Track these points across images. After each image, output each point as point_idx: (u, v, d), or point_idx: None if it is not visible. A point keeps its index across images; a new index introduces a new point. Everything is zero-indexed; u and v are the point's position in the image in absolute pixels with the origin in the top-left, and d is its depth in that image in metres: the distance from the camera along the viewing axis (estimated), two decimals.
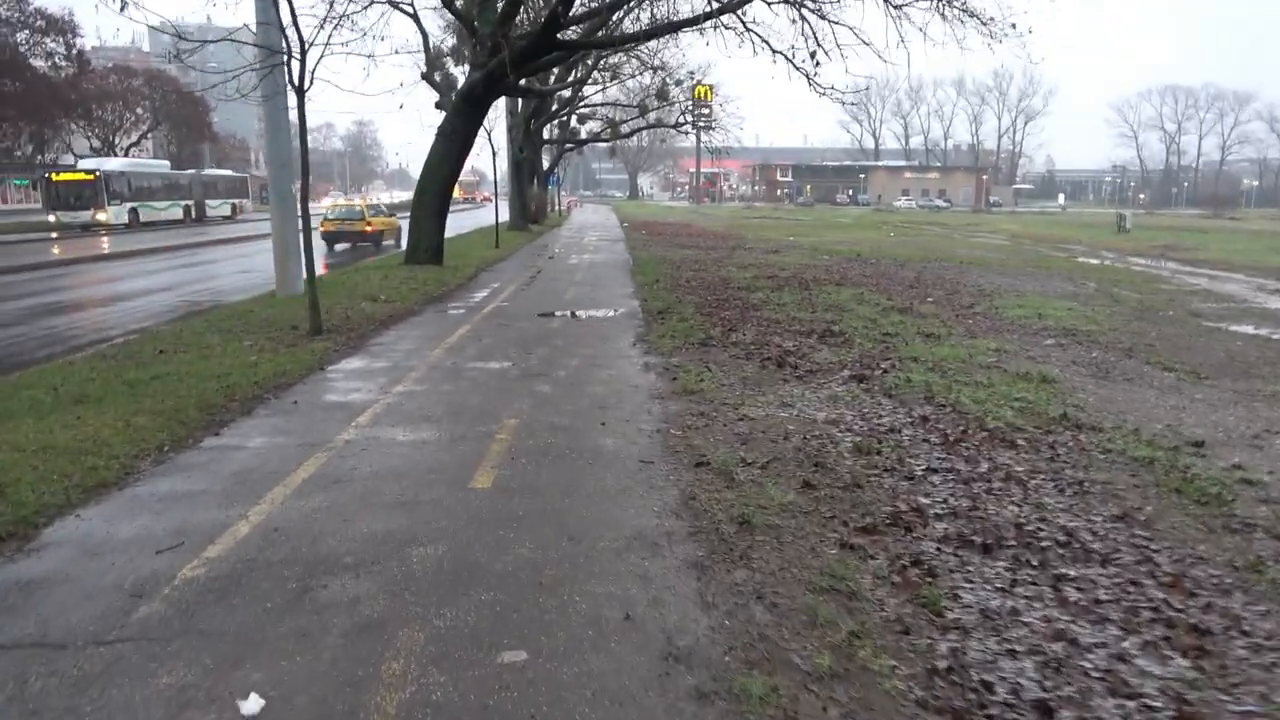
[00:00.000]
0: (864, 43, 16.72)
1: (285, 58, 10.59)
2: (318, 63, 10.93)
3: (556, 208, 60.88)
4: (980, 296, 16.11)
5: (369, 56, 17.05)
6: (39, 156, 54.79)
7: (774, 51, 19.91)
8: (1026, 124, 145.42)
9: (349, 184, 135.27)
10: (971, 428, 6.63)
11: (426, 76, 20.77)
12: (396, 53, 18.80)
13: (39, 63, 43.78)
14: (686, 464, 5.78)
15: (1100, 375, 9.26)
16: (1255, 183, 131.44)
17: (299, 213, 14.52)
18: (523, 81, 19.70)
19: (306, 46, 10.49)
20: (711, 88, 46.83)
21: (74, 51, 45.04)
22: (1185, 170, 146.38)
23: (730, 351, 9.89)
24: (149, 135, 58.86)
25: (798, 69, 20.04)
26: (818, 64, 16.78)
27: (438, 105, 20.20)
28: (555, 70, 31.35)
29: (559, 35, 17.12)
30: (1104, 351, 10.69)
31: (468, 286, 16.79)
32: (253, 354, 9.59)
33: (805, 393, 7.98)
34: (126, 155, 57.80)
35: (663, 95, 39.08)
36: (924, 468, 5.62)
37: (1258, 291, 19.22)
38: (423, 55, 21.50)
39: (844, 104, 20.93)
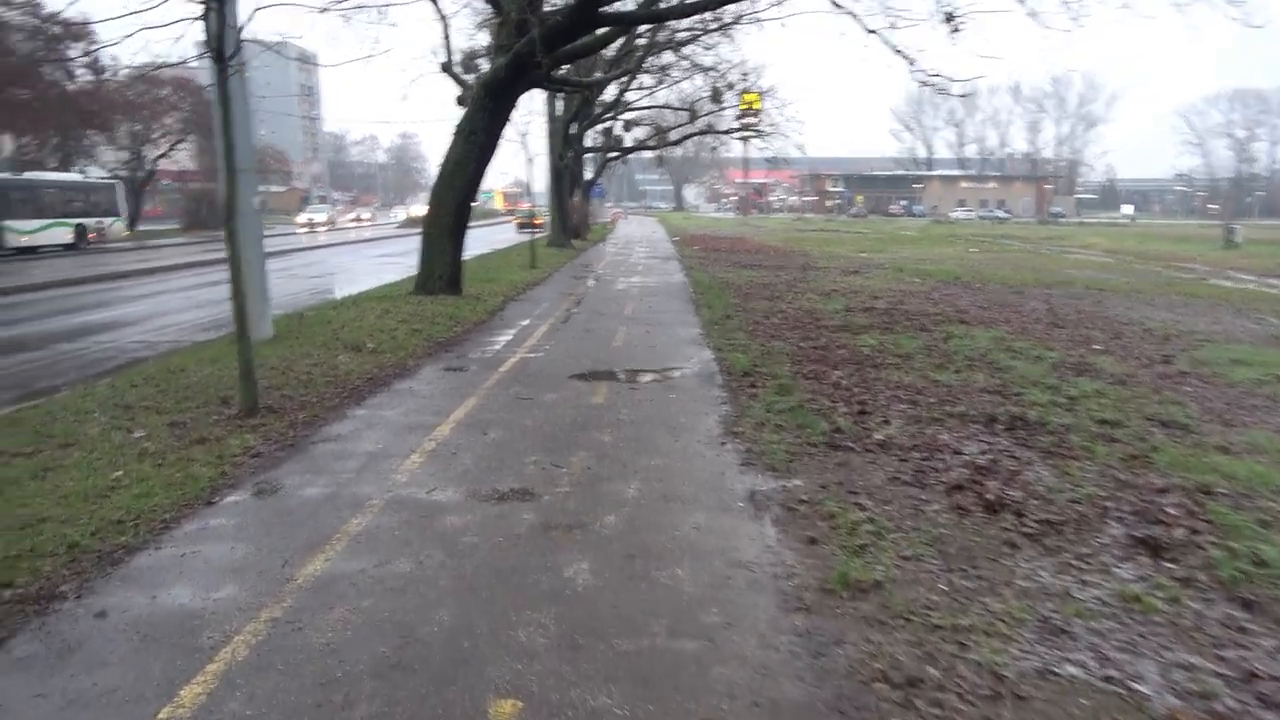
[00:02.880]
0: None
1: (204, 9, 7.09)
2: (251, 18, 7.42)
3: (600, 220, 57.47)
4: (1159, 341, 12.13)
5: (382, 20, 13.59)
6: (70, 168, 52.79)
7: (869, 31, 16.17)
8: (1087, 131, 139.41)
9: (391, 196, 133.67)
10: None
11: (446, 68, 17.33)
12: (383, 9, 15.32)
13: (54, 72, 41.34)
14: None
15: None
16: None
17: (258, 233, 11.15)
18: (562, 70, 16.15)
19: None
20: (761, 95, 43.00)
21: (92, 59, 42.52)
22: (1257, 179, 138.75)
23: (882, 464, 6.12)
24: (178, 147, 56.45)
25: (897, 52, 16.29)
26: (955, 30, 12.92)
27: (459, 101, 16.77)
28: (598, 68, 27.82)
29: (602, 8, 13.51)
30: None
31: (489, 326, 13.19)
32: (128, 461, 6.06)
33: (1071, 588, 4.20)
34: (154, 168, 55.71)
35: (716, 98, 35.39)
36: None
37: None
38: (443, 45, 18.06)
39: (949, 94, 17.06)
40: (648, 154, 57.70)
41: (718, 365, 9.87)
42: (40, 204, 34.00)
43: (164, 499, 5.32)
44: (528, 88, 15.83)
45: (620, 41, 28.29)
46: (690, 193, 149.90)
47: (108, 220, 37.91)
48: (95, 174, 57.78)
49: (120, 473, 5.81)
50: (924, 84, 16.60)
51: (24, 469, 5.90)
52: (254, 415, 7.43)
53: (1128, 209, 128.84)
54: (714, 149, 54.50)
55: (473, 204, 15.37)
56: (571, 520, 5.02)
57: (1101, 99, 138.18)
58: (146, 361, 11.47)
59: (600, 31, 14.49)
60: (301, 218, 61.21)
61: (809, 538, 4.77)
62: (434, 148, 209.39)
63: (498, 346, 11.27)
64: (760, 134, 41.66)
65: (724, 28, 26.52)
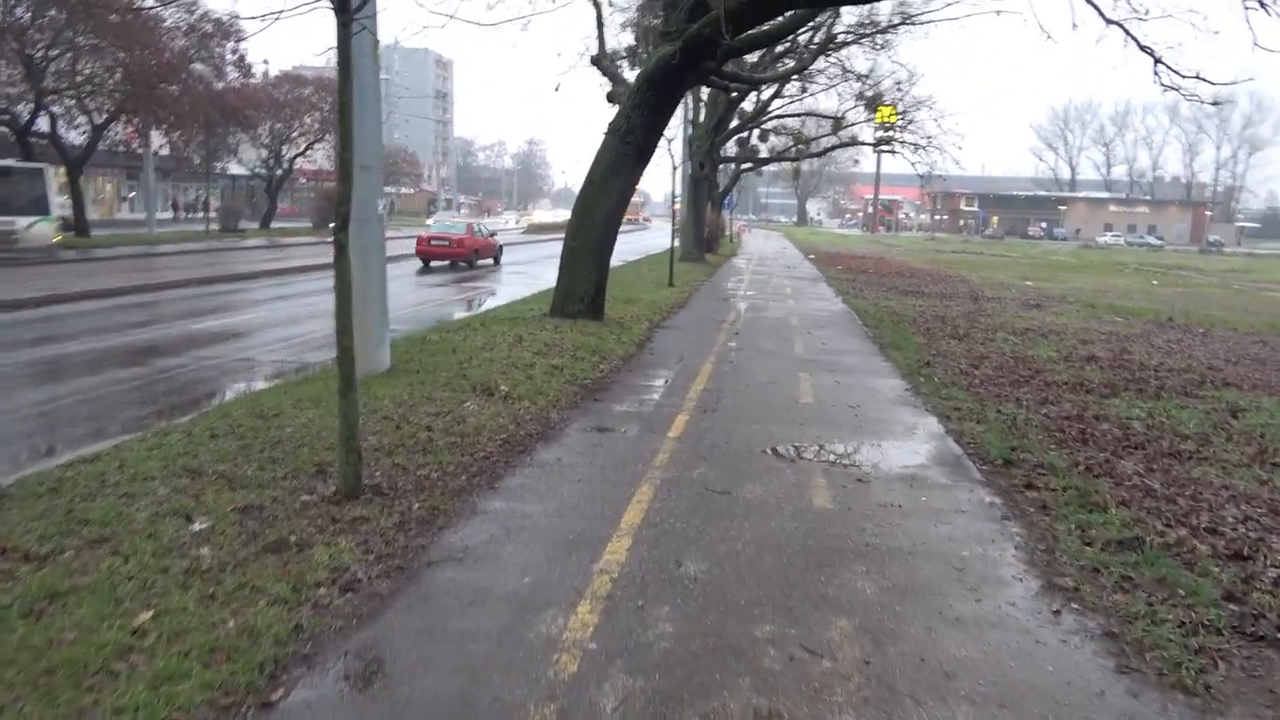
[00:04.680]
0: None
1: None
2: None
3: (729, 233, 55.12)
4: None
5: None
6: (214, 165, 54.08)
7: (1107, 21, 13.35)
8: (1250, 155, 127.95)
9: (515, 201, 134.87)
10: None
11: (597, 60, 15.37)
12: None
13: (202, 68, 41.82)
14: None
15: None
16: None
17: (380, 242, 9.32)
18: (728, 65, 13.95)
19: None
20: (895, 107, 39.75)
21: (238, 57, 42.90)
22: None
23: None
24: (315, 146, 57.03)
25: (1143, 48, 13.40)
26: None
27: (610, 98, 14.80)
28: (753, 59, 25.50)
29: None
30: None
31: (639, 364, 11.03)
32: (169, 587, 4.11)
33: None
34: (291, 167, 56.57)
35: (872, 106, 32.56)
36: None
37: None
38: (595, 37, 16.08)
39: (1201, 102, 14.04)
40: (770, 167, 54.74)
41: (957, 444, 7.40)
42: None
43: (199, 687, 3.27)
44: (696, 81, 13.71)
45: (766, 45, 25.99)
46: (812, 207, 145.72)
47: (23, 221, 25.17)
48: (235, 171, 59.25)
49: (149, 615, 3.83)
50: (1170, 88, 13.63)
51: (25, 592, 4.00)
52: (355, 498, 5.43)
53: None
54: (857, 161, 51.38)
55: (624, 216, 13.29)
56: None
57: (1269, 120, 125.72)
58: (244, 384, 9.85)
59: (785, 16, 12.19)
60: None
61: None
62: (559, 154, 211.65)
63: (656, 395, 9.07)
64: (889, 151, 38.34)
65: (895, 26, 23.84)
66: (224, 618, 3.84)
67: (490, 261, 29.87)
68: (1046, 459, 6.87)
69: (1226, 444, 7.89)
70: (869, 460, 6.79)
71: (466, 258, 27.88)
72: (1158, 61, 13.40)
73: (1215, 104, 13.99)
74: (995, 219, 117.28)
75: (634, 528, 5.13)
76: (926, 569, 4.67)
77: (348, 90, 5.21)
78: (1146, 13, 13.13)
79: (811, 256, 41.37)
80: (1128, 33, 13.35)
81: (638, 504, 5.55)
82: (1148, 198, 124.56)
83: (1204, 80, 13.23)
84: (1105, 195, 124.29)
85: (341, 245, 5.35)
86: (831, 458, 6.83)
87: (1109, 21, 13.30)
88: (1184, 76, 13.27)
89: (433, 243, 27.67)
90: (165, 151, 48.92)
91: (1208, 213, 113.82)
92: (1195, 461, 7.18)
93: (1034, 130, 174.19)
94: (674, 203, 26.97)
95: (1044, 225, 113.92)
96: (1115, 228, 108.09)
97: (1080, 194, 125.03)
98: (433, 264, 27.60)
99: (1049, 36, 13.00)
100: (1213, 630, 4.02)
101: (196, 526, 4.98)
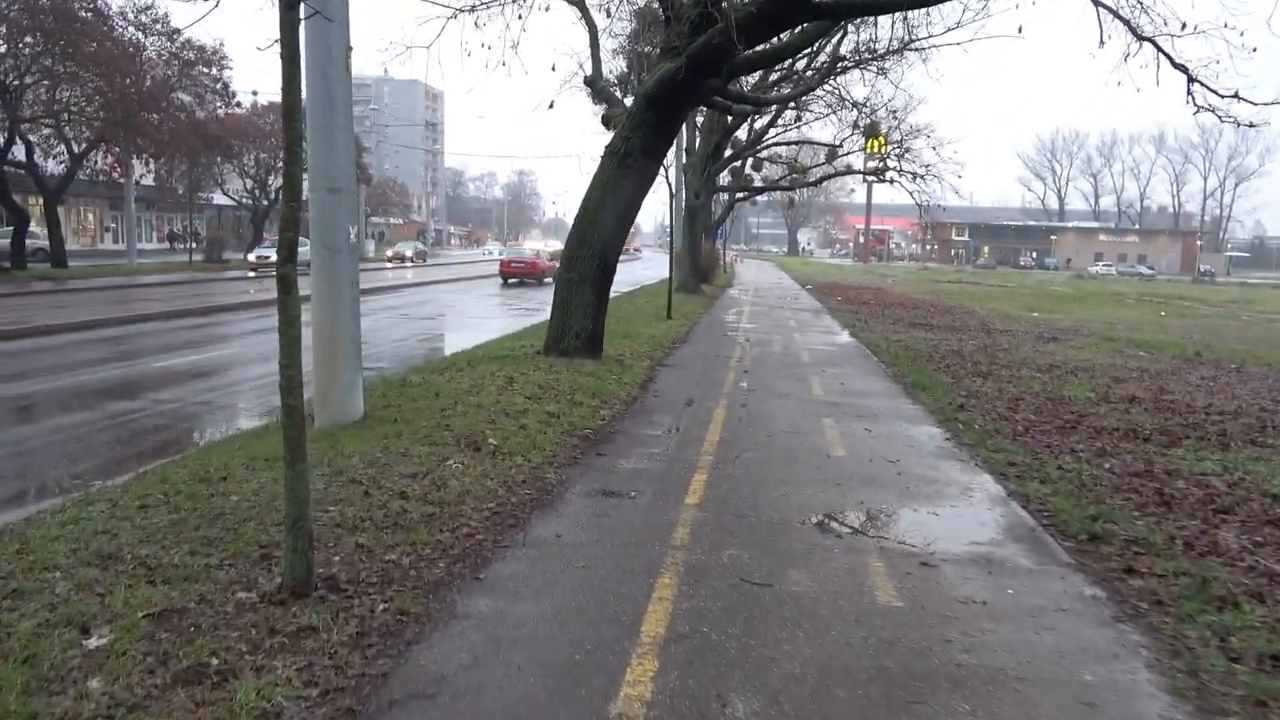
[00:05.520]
0: None
1: None
2: None
3: (723, 263, 54.31)
4: None
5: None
6: (198, 195, 53.10)
7: (1139, 38, 12.49)
8: (1237, 185, 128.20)
9: (506, 232, 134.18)
10: None
11: (591, 81, 14.42)
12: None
13: (185, 97, 40.83)
14: None
15: None
16: None
17: (352, 274, 8.22)
18: (732, 85, 13.00)
19: None
20: (885, 138, 39.05)
21: (220, 85, 41.92)
22: None
23: None
24: (303, 176, 55.95)
25: (1176, 65, 12.55)
26: None
27: (605, 121, 13.82)
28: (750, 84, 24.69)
29: None
30: None
31: (644, 408, 9.92)
32: None
33: None
34: (278, 195, 55.62)
35: (872, 133, 31.75)
36: None
37: None
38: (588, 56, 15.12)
39: (1238, 125, 13.17)
40: (762, 196, 53.95)
41: (1025, 510, 6.31)
42: None
43: None
44: (699, 101, 12.74)
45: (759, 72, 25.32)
46: (803, 237, 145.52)
47: None
48: (220, 201, 58.23)
49: None
50: (1205, 108, 12.76)
51: None
52: (304, 596, 4.32)
53: None
54: (853, 190, 50.68)
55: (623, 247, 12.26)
56: None
57: (1254, 151, 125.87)
58: (199, 433, 8.74)
59: (795, 31, 11.25)
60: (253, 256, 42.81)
61: None
62: (550, 185, 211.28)
63: (667, 448, 7.95)
64: (879, 180, 37.54)
65: (899, 50, 23.03)
66: None
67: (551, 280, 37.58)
68: (1136, 532, 5.79)
69: None
70: (929, 534, 5.68)
71: (536, 276, 35.77)
72: (1192, 80, 12.51)
73: (1252, 125, 13.10)
74: (986, 249, 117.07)
75: (658, 641, 4.00)
76: (1045, 704, 3.56)
77: (294, 89, 4.14)
78: (1183, 27, 12.25)
79: (809, 287, 40.50)
80: (1160, 49, 12.48)
81: (660, 602, 4.43)
82: (1137, 227, 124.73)
83: (1243, 100, 12.39)
84: (1095, 225, 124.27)
85: (287, 281, 4.25)
86: (884, 531, 5.72)
87: (1141, 38, 12.42)
88: (1222, 96, 12.40)
89: (513, 264, 37.43)
90: (149, 181, 47.93)
91: (1198, 242, 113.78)
92: None
93: (1021, 159, 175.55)
94: (669, 232, 26.05)
95: (1034, 255, 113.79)
96: (1106, 257, 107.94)
97: (1070, 224, 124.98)
98: (509, 281, 36.19)
99: (1091, 55, 12.02)
100: None
101: (93, 643, 3.84)
